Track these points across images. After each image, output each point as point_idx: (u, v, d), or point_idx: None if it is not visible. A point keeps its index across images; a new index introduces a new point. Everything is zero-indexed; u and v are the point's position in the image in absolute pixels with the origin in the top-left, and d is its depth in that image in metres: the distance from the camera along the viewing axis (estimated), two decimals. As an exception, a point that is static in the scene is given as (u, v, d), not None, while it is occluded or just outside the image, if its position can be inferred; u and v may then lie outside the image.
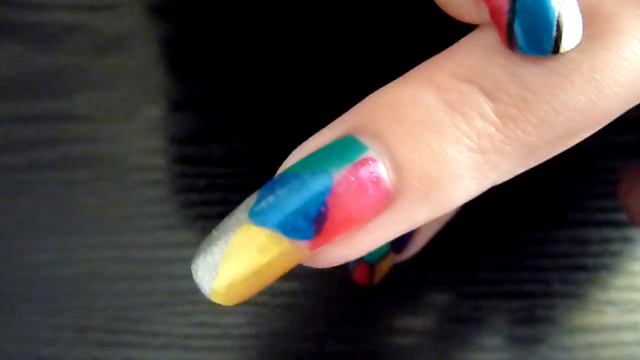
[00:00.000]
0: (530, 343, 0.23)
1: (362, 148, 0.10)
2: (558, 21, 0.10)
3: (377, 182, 0.10)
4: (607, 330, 0.24)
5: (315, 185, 0.10)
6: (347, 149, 0.10)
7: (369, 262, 0.20)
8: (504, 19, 0.10)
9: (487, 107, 0.10)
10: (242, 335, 0.23)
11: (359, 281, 0.20)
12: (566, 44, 0.10)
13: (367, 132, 0.11)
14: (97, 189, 0.24)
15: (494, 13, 0.10)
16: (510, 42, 0.10)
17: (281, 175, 0.11)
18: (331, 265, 0.11)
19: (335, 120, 0.11)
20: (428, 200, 0.11)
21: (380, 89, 0.11)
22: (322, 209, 0.10)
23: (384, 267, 0.20)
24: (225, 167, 0.24)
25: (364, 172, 0.10)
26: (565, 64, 0.10)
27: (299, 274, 0.24)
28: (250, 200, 0.11)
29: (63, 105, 0.25)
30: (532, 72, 0.10)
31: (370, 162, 0.10)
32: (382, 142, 0.10)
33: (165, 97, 0.25)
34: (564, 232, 0.24)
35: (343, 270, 0.23)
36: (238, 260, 0.10)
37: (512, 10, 0.10)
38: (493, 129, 0.10)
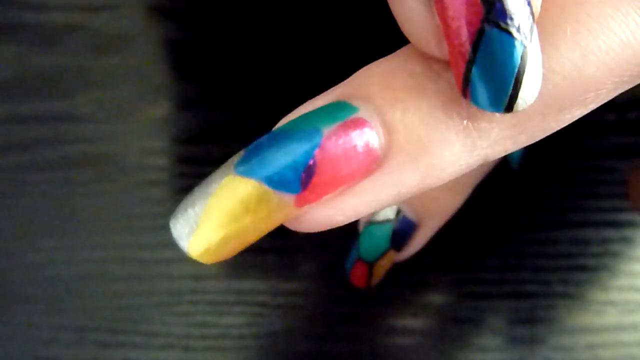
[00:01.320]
0: (530, 343, 0.23)
1: (352, 109, 0.10)
2: (517, 79, 0.10)
3: (366, 142, 0.10)
4: (607, 330, 0.24)
5: (305, 139, 0.10)
6: (338, 109, 0.10)
7: (367, 260, 0.20)
8: (462, 67, 0.10)
9: None
10: (242, 335, 0.23)
11: (357, 283, 0.20)
12: (520, 104, 0.10)
13: (358, 97, 0.11)
14: (97, 189, 0.24)
15: (453, 56, 0.10)
16: (464, 91, 0.10)
17: (270, 132, 0.11)
18: (318, 229, 0.11)
19: (327, 90, 0.11)
20: (417, 164, 0.10)
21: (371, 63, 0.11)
22: (311, 162, 0.10)
23: (383, 266, 0.20)
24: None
25: (353, 131, 0.10)
26: (549, 28, 0.10)
27: (299, 273, 0.24)
28: (236, 157, 0.10)
29: (63, 105, 0.25)
30: None
31: (360, 121, 0.10)
32: (372, 104, 0.10)
33: (165, 97, 0.25)
34: (564, 233, 0.24)
35: (343, 271, 0.23)
36: (220, 212, 0.10)
37: (472, 60, 0.10)
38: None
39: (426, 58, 0.11)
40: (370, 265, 0.19)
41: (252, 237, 0.10)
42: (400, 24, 0.11)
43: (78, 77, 0.25)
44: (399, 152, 0.10)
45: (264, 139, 0.10)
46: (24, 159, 0.24)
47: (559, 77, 0.10)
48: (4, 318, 0.24)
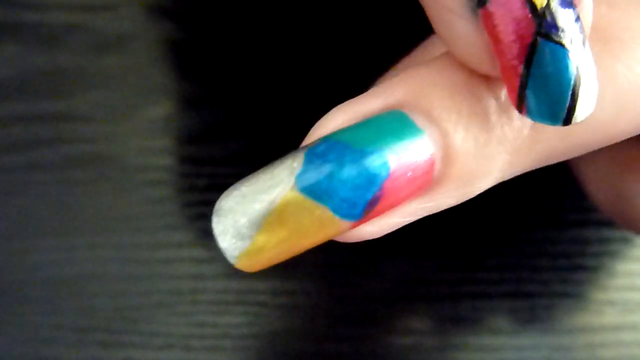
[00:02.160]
0: (530, 343, 0.23)
1: (418, 131, 0.10)
2: (574, 91, 0.09)
3: (427, 171, 0.10)
4: (606, 330, 0.24)
5: (375, 168, 0.10)
6: (402, 129, 0.10)
7: None
8: (517, 82, 0.10)
9: None
10: (242, 335, 0.23)
11: None
12: (580, 115, 0.10)
13: (420, 112, 0.10)
14: (97, 189, 0.24)
15: (506, 72, 0.10)
16: (520, 105, 0.10)
17: (330, 142, 0.10)
18: (356, 241, 0.11)
19: (379, 87, 0.11)
20: (459, 191, 0.11)
21: (425, 63, 0.11)
22: (378, 192, 0.10)
23: None
24: (225, 167, 0.24)
25: (419, 161, 0.10)
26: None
27: (299, 273, 0.24)
28: (295, 163, 0.10)
29: (63, 105, 0.25)
30: None
31: (426, 151, 0.10)
32: (437, 127, 0.10)
33: (165, 97, 0.25)
34: (564, 232, 0.24)
35: (343, 271, 0.23)
36: (280, 231, 0.10)
37: (526, 75, 0.10)
38: (526, 132, 0.11)
39: (490, 82, 0.11)
40: None
41: (300, 251, 0.10)
42: (448, 44, 0.10)
43: (78, 77, 0.25)
44: (449, 182, 0.11)
45: (326, 150, 0.10)
46: (24, 159, 0.24)
47: (594, 123, 0.11)
48: (4, 318, 0.23)
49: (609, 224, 0.24)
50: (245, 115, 0.24)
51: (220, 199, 0.10)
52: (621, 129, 0.11)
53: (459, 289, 0.24)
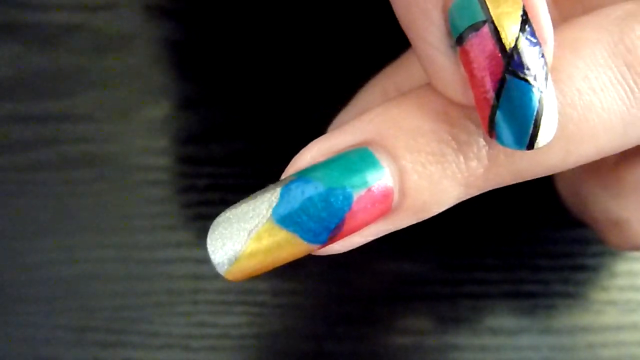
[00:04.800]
0: (530, 342, 0.23)
1: (380, 168, 0.12)
2: (536, 120, 0.11)
3: (386, 203, 0.12)
4: (607, 330, 0.24)
5: (338, 203, 0.12)
6: (367, 166, 0.12)
7: None
8: (488, 111, 0.11)
9: (484, 151, 0.12)
10: (242, 335, 0.23)
11: None
12: (541, 141, 0.11)
13: (383, 150, 0.12)
14: (97, 189, 0.24)
15: (479, 103, 0.11)
16: (490, 131, 0.11)
17: (302, 180, 0.12)
18: (325, 254, 0.13)
19: (350, 125, 0.12)
20: (414, 217, 0.12)
21: (395, 101, 0.12)
22: (340, 223, 0.12)
23: None
24: (225, 167, 0.24)
25: (379, 196, 0.12)
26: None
27: (299, 273, 0.24)
28: (273, 197, 0.12)
29: (63, 105, 0.25)
30: None
31: (386, 185, 0.12)
32: (396, 165, 0.12)
33: (165, 97, 0.25)
34: (564, 232, 0.24)
35: (343, 270, 0.23)
36: (258, 254, 0.12)
37: (496, 105, 0.11)
38: (481, 170, 0.12)
39: (452, 124, 0.12)
40: None
41: (276, 266, 0.12)
42: (429, 75, 0.12)
43: (78, 77, 0.25)
44: (405, 211, 0.12)
45: (298, 187, 0.12)
46: (24, 159, 0.24)
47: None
48: (4, 318, 0.23)
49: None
50: (245, 115, 0.24)
51: (212, 225, 0.12)
52: (567, 164, 0.13)
53: (459, 289, 0.23)
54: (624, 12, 0.13)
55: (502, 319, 0.23)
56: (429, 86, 0.12)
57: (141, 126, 0.25)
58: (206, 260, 0.24)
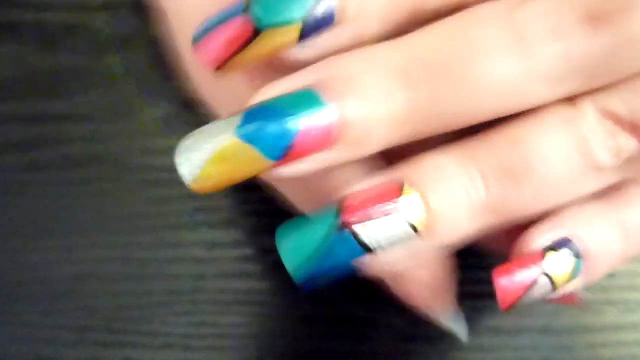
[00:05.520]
0: (531, 343, 0.23)
1: (323, 104, 0.14)
2: None
3: (329, 132, 0.14)
4: (607, 330, 0.24)
5: (290, 125, 0.14)
6: (313, 102, 0.14)
7: (258, 20, 0.14)
8: None
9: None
10: (242, 335, 0.23)
11: (208, 52, 0.15)
12: None
13: (326, 92, 0.14)
14: (97, 189, 0.24)
15: None
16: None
17: (263, 106, 0.14)
18: (280, 179, 0.16)
19: (301, 71, 0.15)
20: (351, 148, 0.15)
21: (339, 56, 0.15)
22: (292, 142, 0.14)
23: (260, 49, 0.15)
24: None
25: (323, 126, 0.14)
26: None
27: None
28: (234, 121, 0.14)
29: (63, 105, 0.25)
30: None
31: (327, 118, 0.14)
32: (337, 104, 0.14)
33: (165, 97, 0.25)
34: (564, 232, 0.24)
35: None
36: (222, 164, 0.14)
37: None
38: (406, 111, 0.15)
39: (382, 73, 0.14)
40: (257, 31, 0.14)
41: (240, 179, 0.14)
42: None
43: (78, 77, 0.25)
44: (343, 141, 0.14)
45: (259, 111, 0.14)
46: (24, 159, 0.24)
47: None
48: (4, 318, 0.24)
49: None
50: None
51: (182, 140, 0.14)
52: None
53: (459, 289, 0.23)
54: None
55: (502, 319, 0.23)
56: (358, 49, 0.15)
57: (141, 126, 0.25)
58: (206, 260, 0.24)
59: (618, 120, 0.15)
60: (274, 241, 0.24)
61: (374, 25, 0.15)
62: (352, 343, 0.23)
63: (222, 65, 0.14)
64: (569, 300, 0.19)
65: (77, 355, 0.23)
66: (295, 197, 0.18)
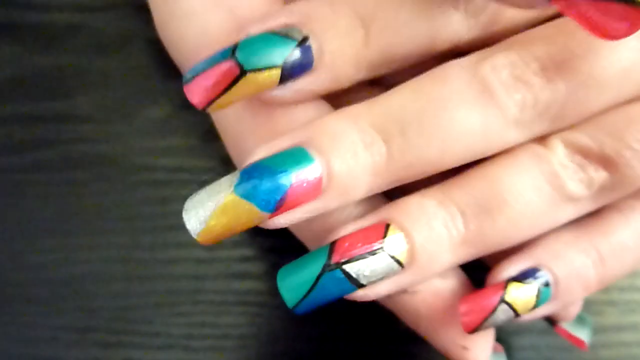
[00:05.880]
0: (531, 343, 0.23)
1: (311, 160, 0.16)
2: None
3: (318, 184, 0.16)
4: (607, 330, 0.24)
5: (281, 181, 0.15)
6: (302, 159, 0.16)
7: (242, 63, 0.16)
8: None
9: (384, 149, 0.16)
10: (242, 335, 0.23)
11: (195, 94, 0.16)
12: None
13: (313, 148, 0.16)
14: (97, 189, 0.24)
15: None
16: None
17: (256, 165, 0.15)
18: (276, 227, 0.16)
19: (290, 132, 0.16)
20: (339, 198, 0.16)
21: (322, 116, 0.17)
22: (284, 196, 0.15)
23: (243, 90, 0.16)
24: (225, 167, 0.24)
25: (311, 180, 0.16)
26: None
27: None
28: (233, 178, 0.15)
29: (63, 105, 0.25)
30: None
31: (316, 172, 0.16)
32: (324, 159, 0.16)
33: (165, 97, 0.25)
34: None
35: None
36: (223, 218, 0.15)
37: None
38: (383, 164, 0.16)
39: (362, 129, 0.16)
40: (241, 74, 0.16)
41: (240, 230, 0.16)
42: None
43: (78, 77, 0.25)
44: (331, 192, 0.16)
45: (253, 170, 0.15)
46: (24, 159, 0.24)
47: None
48: (4, 318, 0.24)
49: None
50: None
51: (187, 200, 0.16)
52: (445, 164, 0.17)
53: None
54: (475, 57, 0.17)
55: (502, 319, 0.23)
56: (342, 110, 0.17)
57: (141, 126, 0.25)
58: (206, 260, 0.24)
59: (587, 154, 0.17)
60: (274, 241, 0.24)
61: (349, 69, 0.17)
62: (352, 343, 0.23)
63: (210, 103, 0.16)
64: (576, 343, 0.21)
65: (77, 355, 0.23)
66: (300, 236, 0.19)
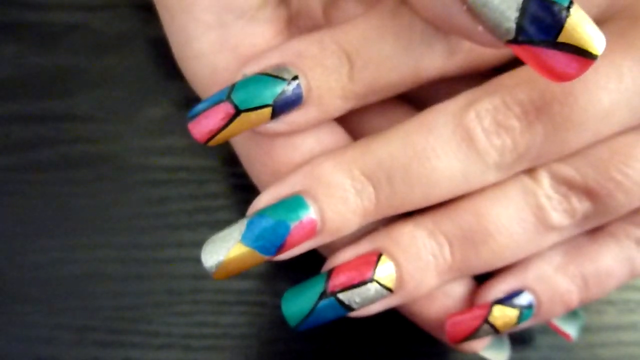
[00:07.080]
0: (530, 343, 0.23)
1: (307, 207, 0.18)
2: None
3: (313, 228, 0.18)
4: (606, 330, 0.24)
5: (280, 229, 0.18)
6: (298, 207, 0.18)
7: (237, 104, 0.17)
8: None
9: (373, 195, 0.18)
10: (242, 335, 0.23)
11: (197, 132, 0.18)
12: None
13: (309, 197, 0.18)
14: (97, 189, 0.24)
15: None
16: None
17: (260, 216, 0.18)
18: (275, 261, 0.19)
19: (287, 179, 0.18)
20: (332, 235, 0.19)
21: (318, 161, 0.18)
22: (283, 242, 0.18)
23: (236, 127, 0.18)
24: (225, 167, 0.24)
25: (307, 225, 0.18)
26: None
27: (299, 274, 0.24)
28: (242, 227, 0.18)
29: (63, 105, 0.25)
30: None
31: (311, 217, 0.18)
32: (318, 207, 0.18)
33: (165, 97, 0.25)
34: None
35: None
36: (232, 262, 0.18)
37: None
38: (372, 207, 0.18)
39: (353, 177, 0.18)
40: (237, 113, 0.17)
41: (247, 268, 0.18)
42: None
43: (78, 77, 0.25)
44: (325, 233, 0.18)
45: (257, 221, 0.18)
46: (24, 159, 0.24)
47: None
48: (4, 318, 0.24)
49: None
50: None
51: (204, 244, 0.18)
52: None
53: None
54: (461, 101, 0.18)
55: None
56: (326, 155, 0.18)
57: (141, 126, 0.25)
58: (206, 260, 0.24)
59: (571, 185, 0.18)
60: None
61: (336, 101, 0.18)
62: (352, 343, 0.23)
63: (210, 138, 0.18)
64: (563, 335, 0.22)
65: (77, 355, 0.23)
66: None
